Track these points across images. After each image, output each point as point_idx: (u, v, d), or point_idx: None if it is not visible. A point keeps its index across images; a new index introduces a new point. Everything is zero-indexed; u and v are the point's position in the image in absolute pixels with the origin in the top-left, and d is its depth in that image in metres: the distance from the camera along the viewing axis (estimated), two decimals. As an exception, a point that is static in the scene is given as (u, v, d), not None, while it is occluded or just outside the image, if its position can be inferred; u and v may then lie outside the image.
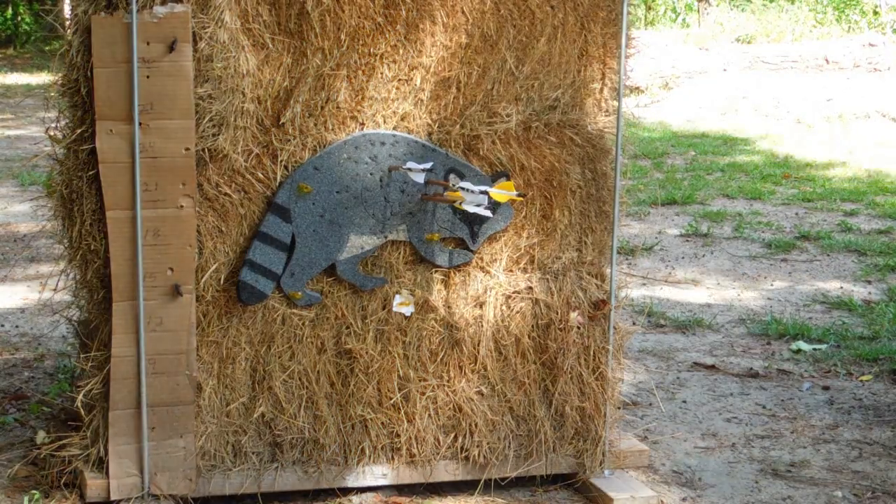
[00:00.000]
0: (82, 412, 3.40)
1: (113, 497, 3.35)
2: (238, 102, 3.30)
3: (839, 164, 10.08)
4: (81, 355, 3.55)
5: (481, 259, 3.60)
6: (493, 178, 3.52)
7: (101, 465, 3.38)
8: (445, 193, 3.48)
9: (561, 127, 3.62)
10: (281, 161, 3.38)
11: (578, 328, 3.64)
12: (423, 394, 3.56)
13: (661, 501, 3.65)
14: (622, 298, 3.79)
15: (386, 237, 3.50)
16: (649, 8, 18.92)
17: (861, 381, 4.85)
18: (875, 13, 17.39)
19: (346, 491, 3.57)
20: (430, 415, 3.57)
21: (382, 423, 3.55)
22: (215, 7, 3.23)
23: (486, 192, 3.43)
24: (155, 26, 3.19)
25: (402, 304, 3.53)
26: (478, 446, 3.60)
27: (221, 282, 3.39)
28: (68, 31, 3.26)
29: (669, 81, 14.01)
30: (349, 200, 3.45)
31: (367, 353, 3.51)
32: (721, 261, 6.85)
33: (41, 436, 3.75)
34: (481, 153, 3.54)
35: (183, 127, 3.25)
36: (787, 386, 4.79)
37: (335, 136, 3.42)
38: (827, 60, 14.18)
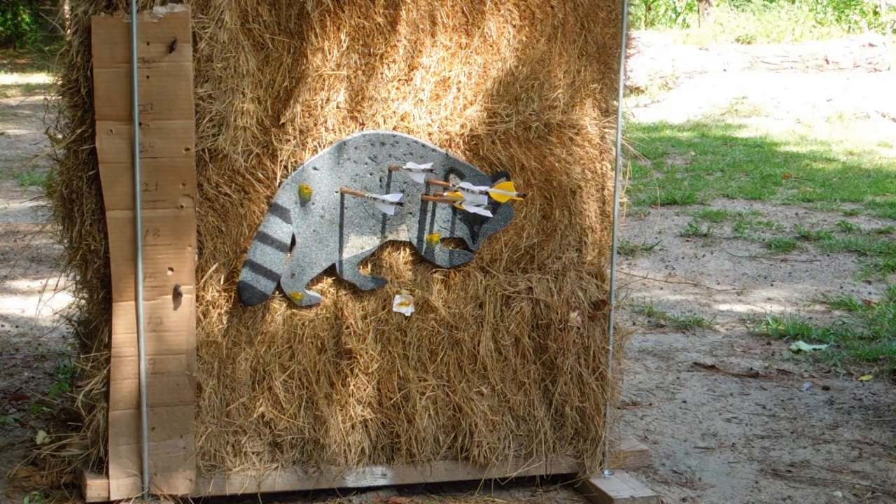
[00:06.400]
0: (82, 412, 3.40)
1: (113, 497, 3.35)
2: (238, 102, 3.30)
3: (839, 164, 10.08)
4: (81, 355, 3.55)
5: (481, 259, 3.60)
6: (493, 178, 3.52)
7: (101, 465, 3.38)
8: (445, 193, 3.48)
9: (561, 127, 3.61)
10: (281, 161, 3.38)
11: (578, 328, 3.64)
12: (423, 394, 3.56)
13: (661, 501, 3.65)
14: (622, 298, 3.79)
15: (386, 237, 3.50)
16: (649, 8, 18.93)
17: (861, 381, 4.85)
18: (875, 13, 17.40)
19: (346, 491, 3.57)
20: (430, 415, 3.57)
21: (382, 423, 3.55)
22: (215, 7, 3.23)
23: (486, 192, 3.43)
24: (155, 26, 3.19)
25: (402, 304, 3.53)
26: (478, 446, 3.60)
27: (221, 282, 3.39)
28: (68, 31, 3.26)
29: (669, 81, 14.01)
30: (349, 200, 3.45)
31: (367, 353, 3.50)
32: (721, 261, 6.84)
33: (41, 436, 3.75)
34: (481, 153, 3.54)
35: (183, 127, 3.25)
36: (787, 386, 4.79)
37: (335, 136, 3.42)
38: (827, 60, 14.19)
